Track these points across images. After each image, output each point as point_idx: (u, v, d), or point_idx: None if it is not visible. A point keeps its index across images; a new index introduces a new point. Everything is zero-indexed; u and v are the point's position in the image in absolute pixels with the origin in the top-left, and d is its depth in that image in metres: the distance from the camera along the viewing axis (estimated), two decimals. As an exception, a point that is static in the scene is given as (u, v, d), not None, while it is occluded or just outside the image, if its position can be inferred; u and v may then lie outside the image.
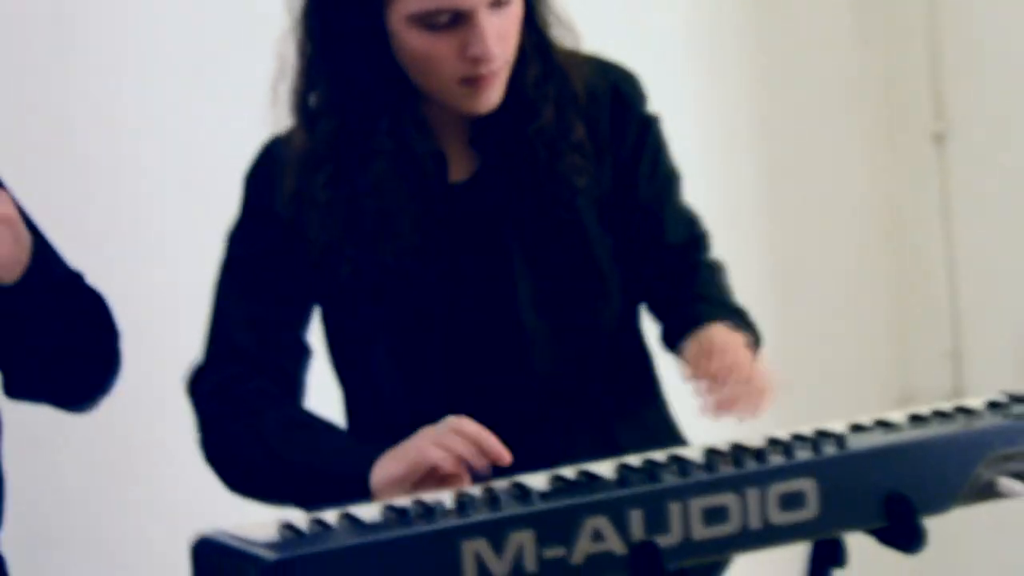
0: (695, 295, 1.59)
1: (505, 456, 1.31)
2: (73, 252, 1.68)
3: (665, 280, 1.61)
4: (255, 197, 1.58)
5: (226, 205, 1.64)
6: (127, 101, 2.43)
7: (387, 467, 1.35)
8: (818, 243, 3.26)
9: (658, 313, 1.64)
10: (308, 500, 1.35)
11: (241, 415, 1.50)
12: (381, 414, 1.57)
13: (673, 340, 1.52)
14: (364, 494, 1.32)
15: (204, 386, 1.55)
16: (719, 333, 1.41)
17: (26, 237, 1.44)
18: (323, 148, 1.49)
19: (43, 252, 1.53)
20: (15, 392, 1.59)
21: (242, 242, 1.59)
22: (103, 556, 2.37)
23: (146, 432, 2.36)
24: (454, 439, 1.32)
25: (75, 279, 1.64)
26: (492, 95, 1.48)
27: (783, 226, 3.22)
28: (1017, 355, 2.94)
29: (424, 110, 1.52)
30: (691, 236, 1.65)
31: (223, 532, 1.09)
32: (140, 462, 2.39)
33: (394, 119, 1.49)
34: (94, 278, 1.68)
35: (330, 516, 1.12)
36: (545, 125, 1.51)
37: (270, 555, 1.02)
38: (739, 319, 1.52)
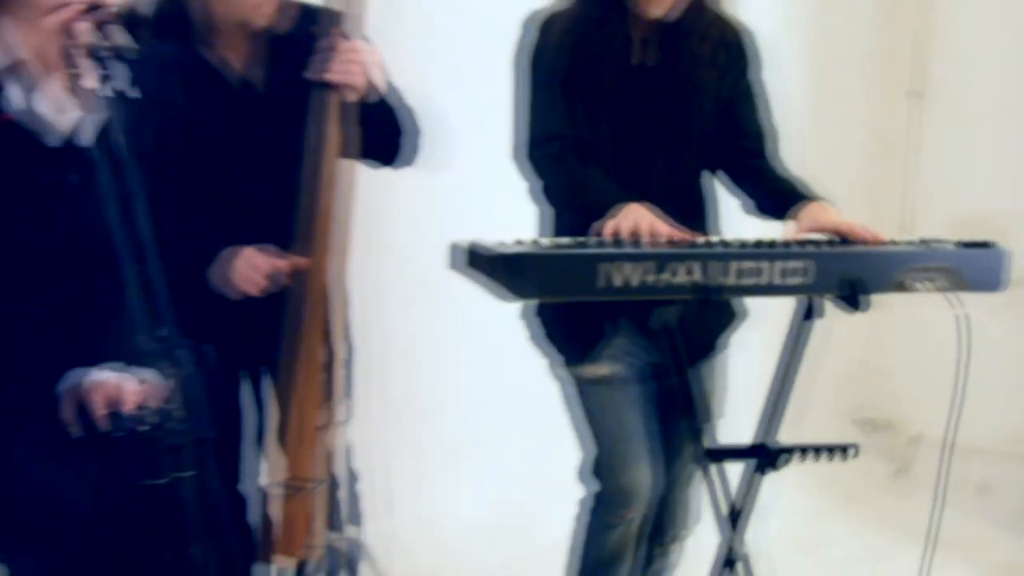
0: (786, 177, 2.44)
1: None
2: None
3: (755, 160, 2.47)
4: (545, 42, 2.40)
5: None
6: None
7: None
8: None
9: (747, 189, 2.48)
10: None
11: (565, 171, 2.38)
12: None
13: (773, 207, 2.40)
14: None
15: (538, 155, 2.42)
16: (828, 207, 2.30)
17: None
18: (583, 21, 2.36)
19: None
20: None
21: (544, 68, 2.40)
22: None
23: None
24: (639, 216, 2.18)
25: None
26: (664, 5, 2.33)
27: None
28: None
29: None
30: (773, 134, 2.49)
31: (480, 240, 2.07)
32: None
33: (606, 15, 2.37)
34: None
35: (545, 240, 2.08)
36: (695, 43, 2.37)
37: (506, 251, 1.98)
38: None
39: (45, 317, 1.88)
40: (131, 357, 1.82)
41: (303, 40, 2.31)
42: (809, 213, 2.30)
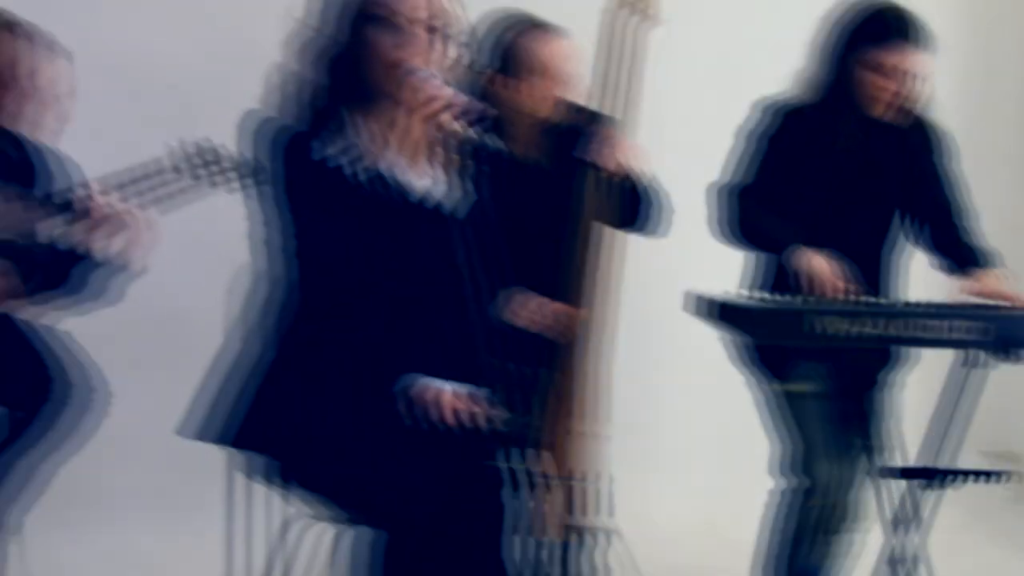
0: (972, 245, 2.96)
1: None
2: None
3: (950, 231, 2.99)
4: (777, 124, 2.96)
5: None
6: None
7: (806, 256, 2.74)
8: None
9: (940, 252, 3.00)
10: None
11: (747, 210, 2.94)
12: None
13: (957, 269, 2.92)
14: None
15: (728, 191, 2.98)
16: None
17: None
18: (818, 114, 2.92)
19: None
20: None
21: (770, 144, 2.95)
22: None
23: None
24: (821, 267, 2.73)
25: None
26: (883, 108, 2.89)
27: None
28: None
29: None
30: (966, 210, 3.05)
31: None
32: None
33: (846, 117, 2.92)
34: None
35: (756, 294, 2.65)
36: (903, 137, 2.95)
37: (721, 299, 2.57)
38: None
39: (396, 330, 2.33)
40: (471, 374, 2.31)
41: (574, 130, 2.98)
42: (983, 279, 2.84)
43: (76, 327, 3.03)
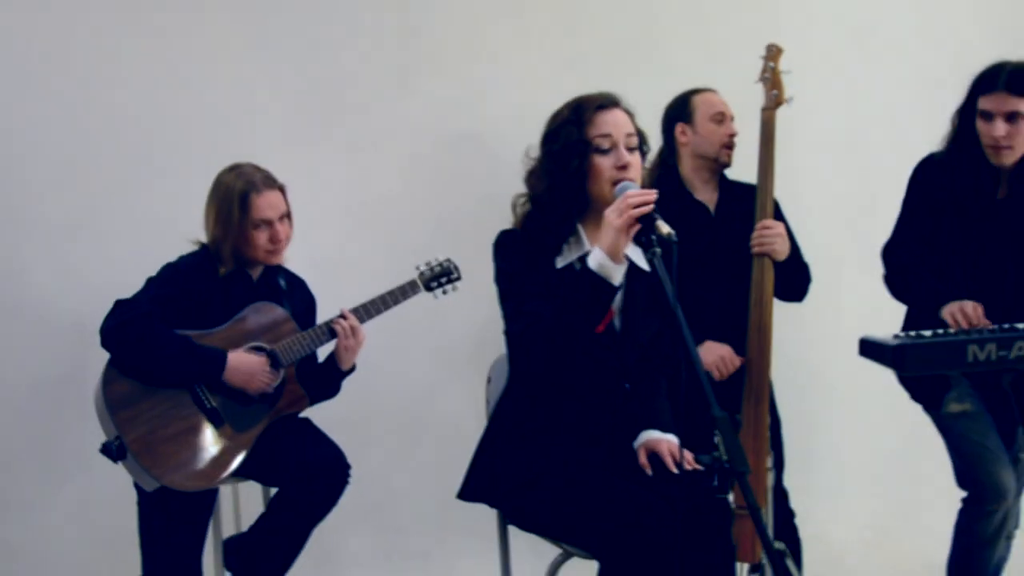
0: None
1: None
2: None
3: None
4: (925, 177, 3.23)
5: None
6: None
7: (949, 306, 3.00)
8: None
9: None
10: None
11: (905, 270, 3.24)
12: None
13: None
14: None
15: (893, 251, 3.27)
16: None
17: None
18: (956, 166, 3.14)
19: None
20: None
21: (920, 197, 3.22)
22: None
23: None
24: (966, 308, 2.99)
25: None
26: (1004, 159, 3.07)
27: None
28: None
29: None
30: None
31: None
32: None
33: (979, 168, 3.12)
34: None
35: (926, 332, 2.95)
36: None
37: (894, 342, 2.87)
38: None
39: (614, 393, 2.75)
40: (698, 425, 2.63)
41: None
42: None
43: (334, 416, 3.50)
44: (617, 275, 2.52)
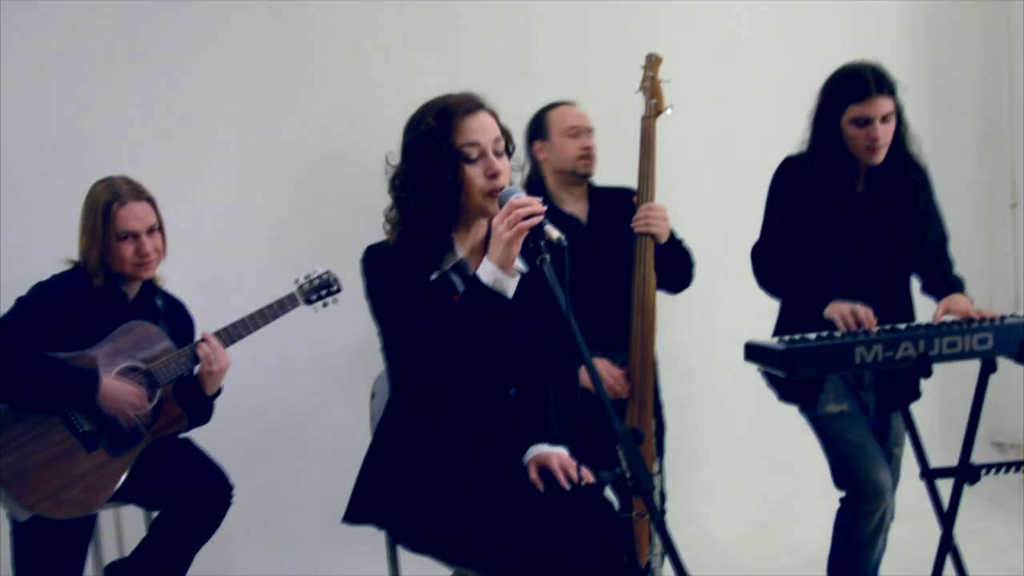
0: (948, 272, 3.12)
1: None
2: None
3: (936, 258, 3.15)
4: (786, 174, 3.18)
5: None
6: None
7: (836, 306, 2.90)
8: None
9: (924, 277, 3.16)
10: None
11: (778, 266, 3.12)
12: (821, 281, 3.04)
13: (936, 292, 3.08)
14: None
15: (762, 250, 3.18)
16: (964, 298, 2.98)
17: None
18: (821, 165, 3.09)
19: None
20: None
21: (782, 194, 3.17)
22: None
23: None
24: (853, 308, 2.89)
25: None
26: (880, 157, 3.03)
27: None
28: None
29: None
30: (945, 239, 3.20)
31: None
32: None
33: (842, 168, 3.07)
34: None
35: (810, 336, 2.87)
36: (898, 176, 3.08)
37: (781, 346, 2.80)
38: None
39: (501, 410, 2.56)
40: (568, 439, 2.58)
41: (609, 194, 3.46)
42: (952, 300, 3.00)
43: (218, 434, 3.30)
44: (511, 287, 2.32)
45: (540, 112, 3.53)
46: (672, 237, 3.38)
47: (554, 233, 2.21)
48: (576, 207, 3.49)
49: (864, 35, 4.73)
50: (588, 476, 2.38)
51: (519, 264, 2.45)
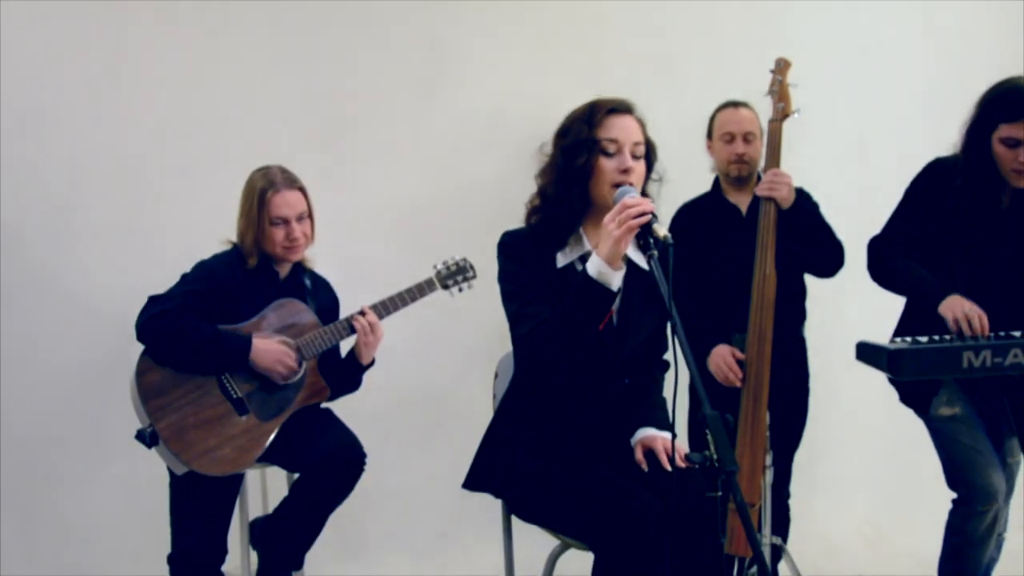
0: None
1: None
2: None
3: None
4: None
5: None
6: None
7: (951, 304, 2.87)
8: None
9: None
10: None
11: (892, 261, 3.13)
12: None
13: None
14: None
15: (879, 245, 3.18)
16: None
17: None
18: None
19: None
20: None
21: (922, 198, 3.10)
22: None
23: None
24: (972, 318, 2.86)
25: None
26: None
27: None
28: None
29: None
30: None
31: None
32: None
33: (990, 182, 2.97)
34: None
35: (922, 338, 2.87)
36: None
37: (889, 347, 2.81)
38: None
39: (611, 391, 2.69)
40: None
41: None
42: None
43: (355, 406, 3.50)
44: (616, 281, 2.44)
45: (713, 112, 3.70)
46: (805, 208, 3.43)
47: (661, 231, 2.30)
48: (738, 198, 3.64)
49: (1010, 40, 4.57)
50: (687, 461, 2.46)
51: (638, 258, 2.57)
